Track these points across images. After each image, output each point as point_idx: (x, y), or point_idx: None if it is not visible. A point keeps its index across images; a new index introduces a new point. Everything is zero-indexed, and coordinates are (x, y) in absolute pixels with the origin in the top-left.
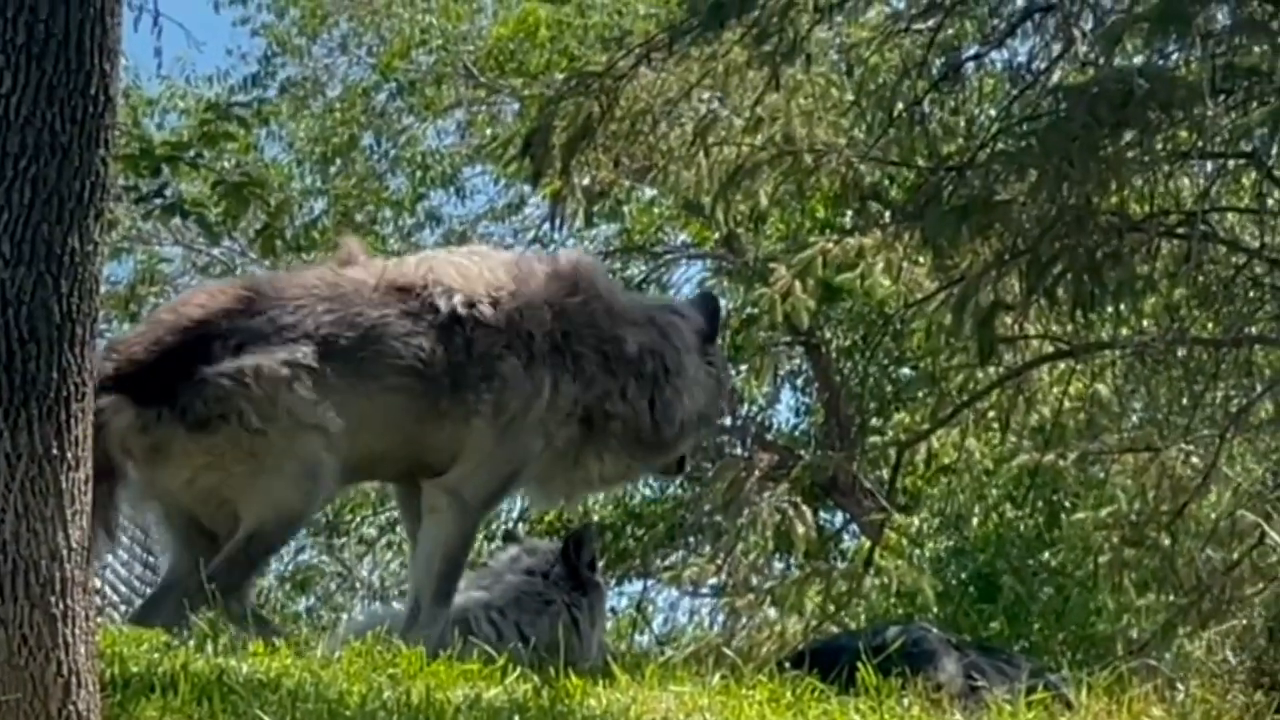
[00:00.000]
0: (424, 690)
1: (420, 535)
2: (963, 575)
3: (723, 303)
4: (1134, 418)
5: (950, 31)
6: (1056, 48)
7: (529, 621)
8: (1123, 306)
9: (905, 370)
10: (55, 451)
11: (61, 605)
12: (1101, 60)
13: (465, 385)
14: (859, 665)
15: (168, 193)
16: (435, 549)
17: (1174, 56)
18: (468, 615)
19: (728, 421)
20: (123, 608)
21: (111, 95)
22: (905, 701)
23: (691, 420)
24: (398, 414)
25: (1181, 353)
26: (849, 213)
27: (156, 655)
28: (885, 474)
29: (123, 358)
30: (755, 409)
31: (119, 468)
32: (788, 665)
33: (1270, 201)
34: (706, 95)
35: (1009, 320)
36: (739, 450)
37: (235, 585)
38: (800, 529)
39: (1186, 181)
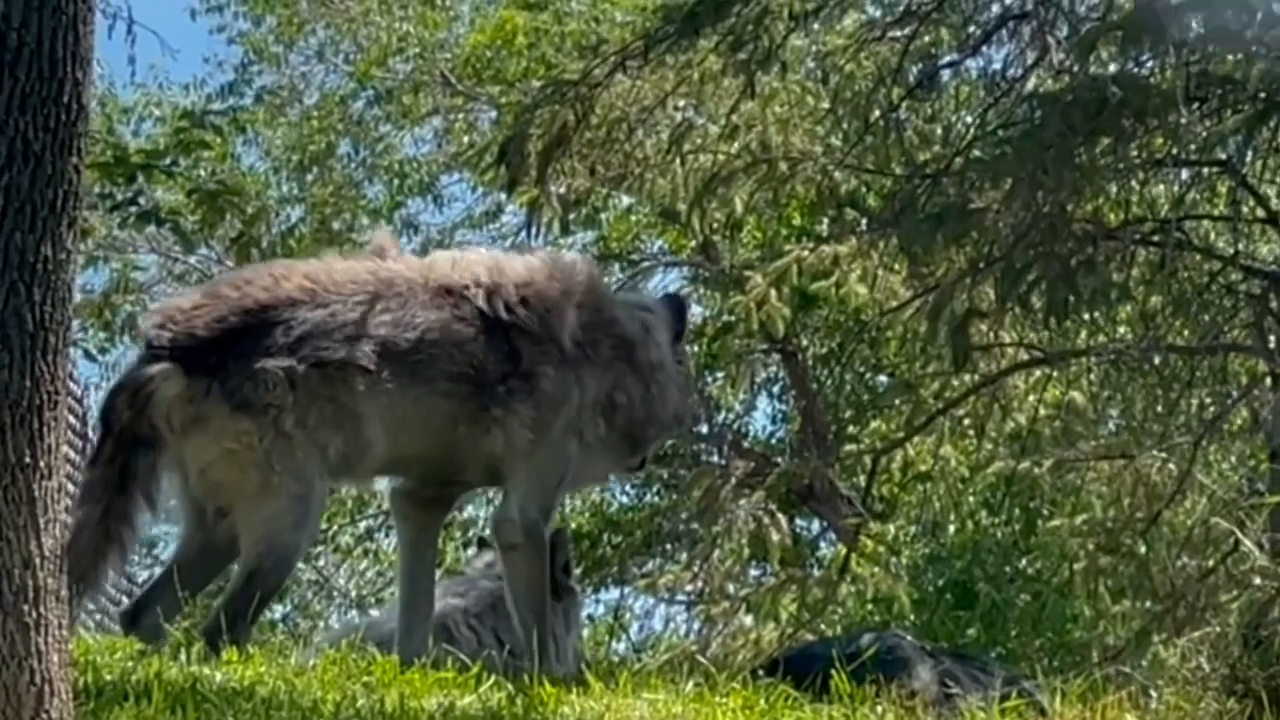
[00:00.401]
0: (398, 698)
1: (507, 577)
2: (939, 582)
3: (695, 309)
4: (1109, 425)
5: (926, 39)
6: (1031, 55)
7: (505, 627)
8: (1097, 314)
9: (882, 378)
10: (28, 460)
11: (34, 614)
12: (1076, 68)
13: (511, 393)
14: (833, 672)
15: (142, 200)
16: (527, 590)
17: (1148, 64)
18: (446, 622)
19: (704, 429)
20: (97, 616)
21: (84, 103)
22: (879, 709)
23: (669, 419)
24: (440, 418)
25: (1157, 360)
26: (826, 220)
27: (130, 663)
28: (862, 481)
29: (181, 329)
30: (732, 416)
31: (163, 438)
32: (761, 673)
33: (1245, 209)
34: (682, 103)
35: (984, 328)
36: (715, 457)
37: (239, 636)
38: (775, 536)
39: (1162, 189)
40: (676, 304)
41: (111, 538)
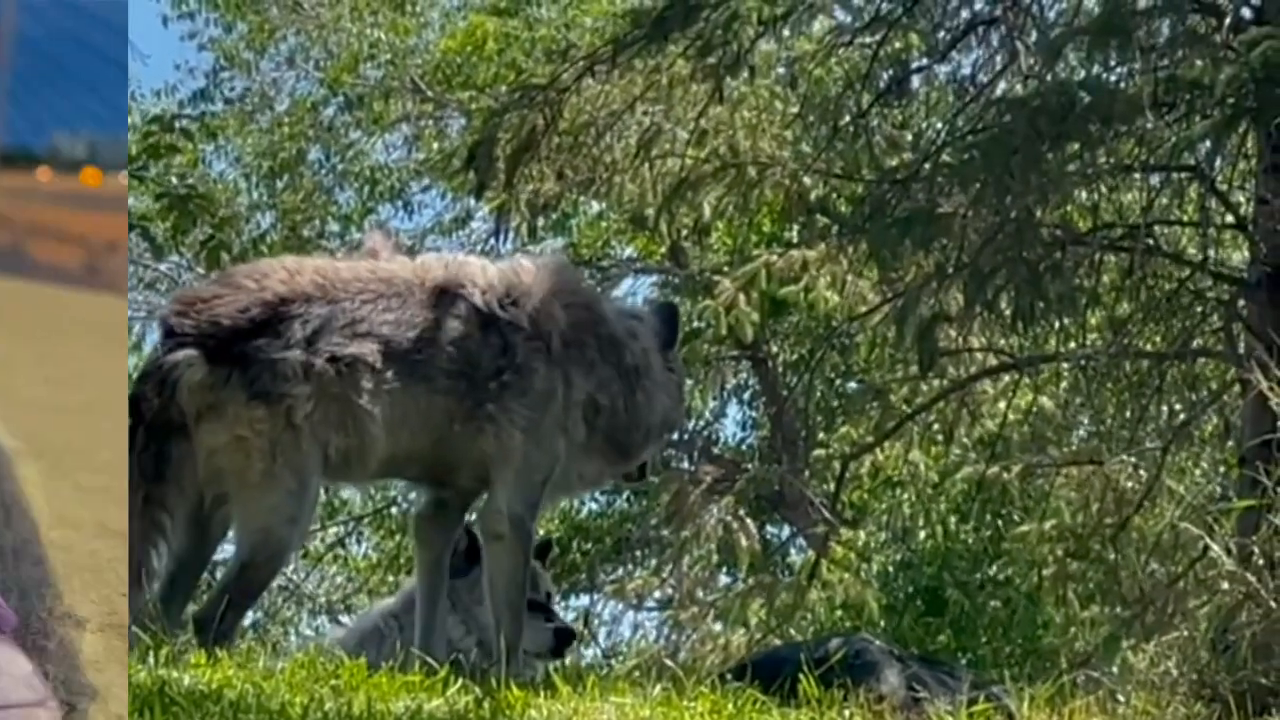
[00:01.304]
0: (365, 701)
1: (488, 567)
2: (909, 589)
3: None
4: (1079, 431)
5: (895, 44)
6: (1001, 60)
7: (409, 608)
8: (1065, 319)
9: (852, 383)
10: None
11: None
12: (1045, 74)
13: (504, 388)
14: (800, 676)
15: None
16: (506, 582)
17: (1116, 69)
18: (377, 623)
19: (675, 436)
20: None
21: None
22: (846, 712)
23: (657, 425)
24: (438, 415)
25: (1126, 366)
26: (795, 225)
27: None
28: (831, 487)
29: (204, 318)
30: (702, 422)
31: (190, 424)
32: (729, 677)
33: (1214, 215)
34: (650, 108)
35: (953, 332)
36: (685, 464)
37: (227, 631)
38: (744, 542)
39: (1131, 195)
40: (668, 313)
41: (156, 524)
